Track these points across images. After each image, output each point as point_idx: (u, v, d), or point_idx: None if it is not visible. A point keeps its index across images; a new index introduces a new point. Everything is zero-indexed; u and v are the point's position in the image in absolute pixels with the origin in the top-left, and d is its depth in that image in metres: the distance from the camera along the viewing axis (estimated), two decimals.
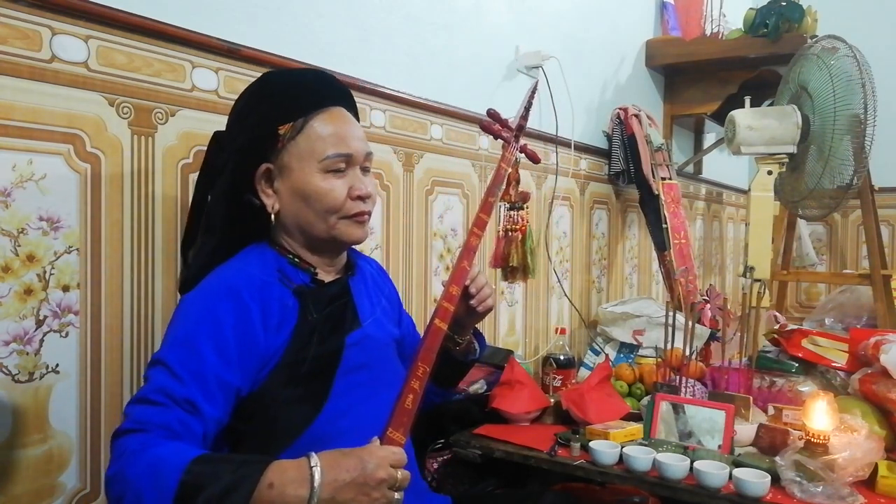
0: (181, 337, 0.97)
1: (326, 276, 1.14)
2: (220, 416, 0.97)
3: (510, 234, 1.52)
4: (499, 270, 1.57)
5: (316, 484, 0.85)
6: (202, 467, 0.85)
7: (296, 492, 0.85)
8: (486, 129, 1.33)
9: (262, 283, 1.04)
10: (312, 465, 0.87)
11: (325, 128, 1.08)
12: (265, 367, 1.01)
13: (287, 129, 1.07)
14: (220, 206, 1.09)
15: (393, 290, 1.33)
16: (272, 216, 1.11)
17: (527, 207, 1.52)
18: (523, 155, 1.39)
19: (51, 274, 1.09)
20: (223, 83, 1.32)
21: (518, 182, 1.47)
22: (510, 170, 1.38)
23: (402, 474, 0.91)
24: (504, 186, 1.41)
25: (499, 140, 1.33)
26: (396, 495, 0.91)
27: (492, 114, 1.34)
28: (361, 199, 1.10)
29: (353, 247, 1.20)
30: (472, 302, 1.23)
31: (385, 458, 0.90)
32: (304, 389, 1.03)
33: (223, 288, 1.01)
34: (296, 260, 1.11)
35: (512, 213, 1.51)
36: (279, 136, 1.07)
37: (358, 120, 1.15)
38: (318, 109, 1.09)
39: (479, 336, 1.37)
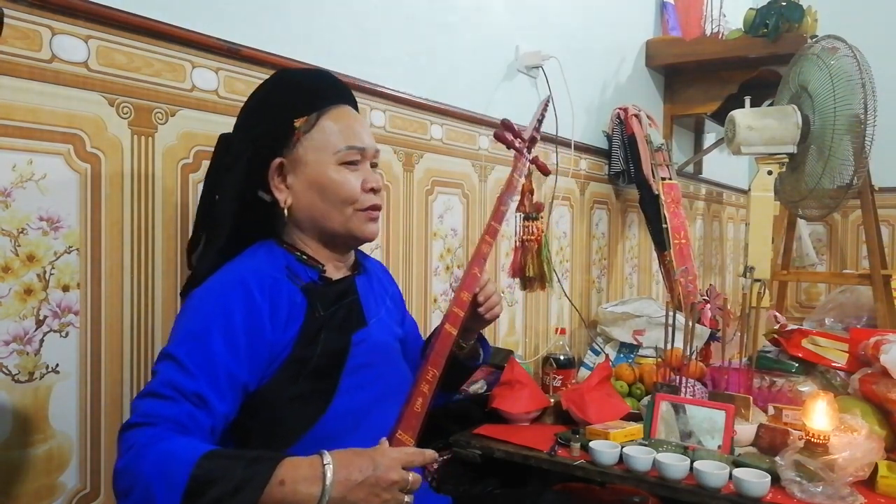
0: (191, 330, 0.97)
1: (334, 273, 1.14)
2: (228, 411, 0.97)
3: (526, 244, 1.56)
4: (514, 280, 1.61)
5: (328, 482, 0.85)
6: (213, 462, 0.84)
7: (307, 489, 0.85)
8: (498, 138, 1.39)
9: (271, 280, 1.04)
10: (325, 463, 0.87)
11: (339, 123, 1.11)
12: (273, 363, 1.02)
13: (303, 122, 1.09)
14: (230, 204, 1.09)
15: (397, 291, 1.34)
16: (284, 212, 1.10)
17: (542, 217, 1.56)
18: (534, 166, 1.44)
19: (51, 274, 1.09)
20: (223, 83, 1.32)
21: (532, 193, 1.52)
22: (523, 181, 1.45)
23: (413, 476, 0.92)
24: (518, 197, 1.48)
25: (511, 150, 1.39)
26: (406, 498, 0.91)
27: (506, 124, 1.39)
28: (374, 191, 1.12)
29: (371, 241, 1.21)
30: (481, 309, 1.25)
31: (397, 459, 0.91)
32: (311, 387, 1.04)
33: (233, 282, 1.01)
34: (304, 257, 1.11)
35: (527, 223, 1.56)
36: (295, 129, 1.09)
37: None
38: (331, 106, 1.12)
39: (483, 342, 1.39)
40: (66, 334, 1.11)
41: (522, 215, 1.54)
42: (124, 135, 1.18)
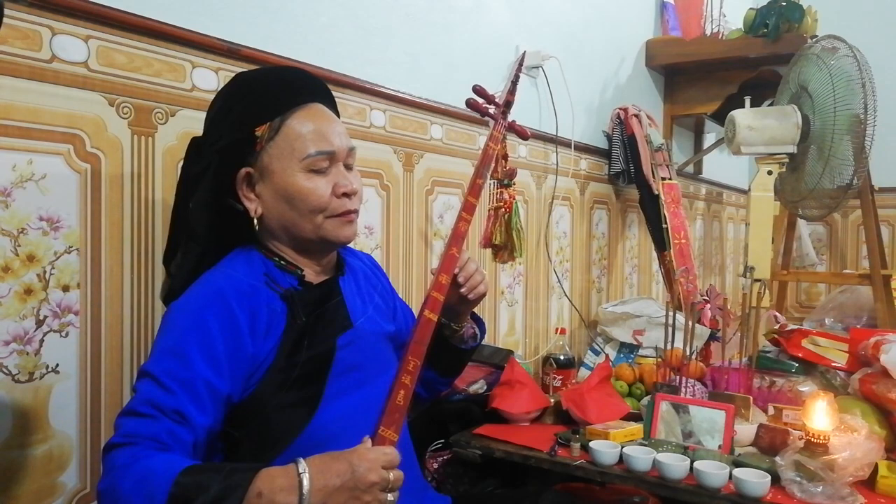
0: (168, 346, 0.96)
1: (315, 277, 1.12)
2: (210, 424, 0.96)
3: (498, 212, 1.50)
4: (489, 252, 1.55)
5: (305, 491, 0.85)
6: (191, 478, 0.84)
7: (285, 500, 0.84)
8: (472, 106, 1.30)
9: (249, 288, 1.02)
10: (300, 471, 0.86)
11: (304, 126, 1.04)
12: (255, 373, 1.00)
13: (264, 130, 1.04)
14: (203, 214, 1.06)
15: (387, 284, 1.31)
16: (255, 221, 1.07)
17: (514, 184, 1.48)
18: (514, 133, 1.38)
19: (51, 274, 1.09)
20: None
21: (506, 158, 1.42)
22: (497, 147, 1.35)
23: (394, 475, 0.91)
24: (493, 164, 1.38)
25: (485, 118, 1.31)
26: (390, 496, 0.90)
27: (478, 90, 1.31)
28: (347, 195, 1.07)
29: (348, 245, 1.17)
30: (463, 290, 1.20)
31: (376, 460, 0.90)
32: (297, 393, 1.02)
33: (210, 294, 1.00)
34: (282, 263, 1.08)
35: (500, 190, 1.48)
36: (256, 139, 1.04)
37: (338, 115, 1.13)
38: (294, 107, 1.05)
39: (478, 321, 1.35)
40: (66, 334, 1.11)
41: (496, 182, 1.45)
42: (124, 135, 1.18)
